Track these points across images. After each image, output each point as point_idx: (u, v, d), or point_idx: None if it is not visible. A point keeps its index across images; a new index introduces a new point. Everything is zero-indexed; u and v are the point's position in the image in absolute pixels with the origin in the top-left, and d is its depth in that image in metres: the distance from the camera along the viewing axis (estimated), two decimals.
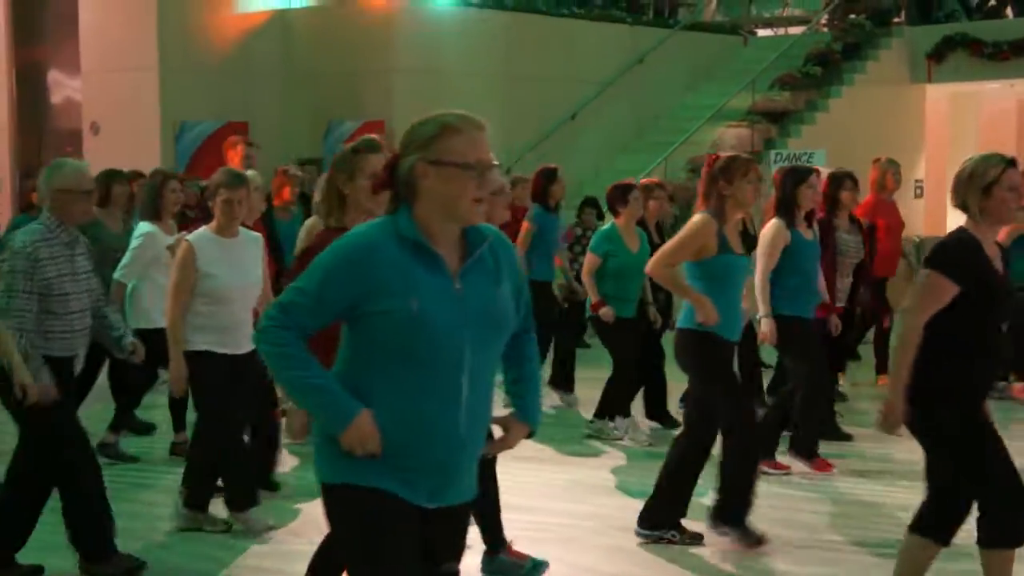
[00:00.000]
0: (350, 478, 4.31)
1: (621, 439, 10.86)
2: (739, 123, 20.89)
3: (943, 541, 6.17)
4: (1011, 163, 5.99)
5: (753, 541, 7.75)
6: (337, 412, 4.26)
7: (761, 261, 9.29)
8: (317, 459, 4.42)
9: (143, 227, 9.73)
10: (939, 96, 23.08)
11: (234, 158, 12.37)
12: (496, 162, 4.36)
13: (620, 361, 10.84)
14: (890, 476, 9.57)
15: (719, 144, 20.08)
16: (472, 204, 4.27)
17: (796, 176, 9.51)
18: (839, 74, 21.96)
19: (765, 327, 9.36)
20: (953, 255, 5.99)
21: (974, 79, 22.36)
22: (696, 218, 7.87)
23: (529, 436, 4.59)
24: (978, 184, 5.94)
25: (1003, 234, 9.17)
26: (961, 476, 6.08)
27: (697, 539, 7.86)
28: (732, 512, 7.82)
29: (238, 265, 8.04)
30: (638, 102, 21.41)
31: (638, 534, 7.97)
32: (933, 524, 6.15)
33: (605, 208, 11.42)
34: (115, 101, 19.34)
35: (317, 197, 7.96)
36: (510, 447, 4.62)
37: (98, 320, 7.50)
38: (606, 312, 10.40)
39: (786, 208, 9.38)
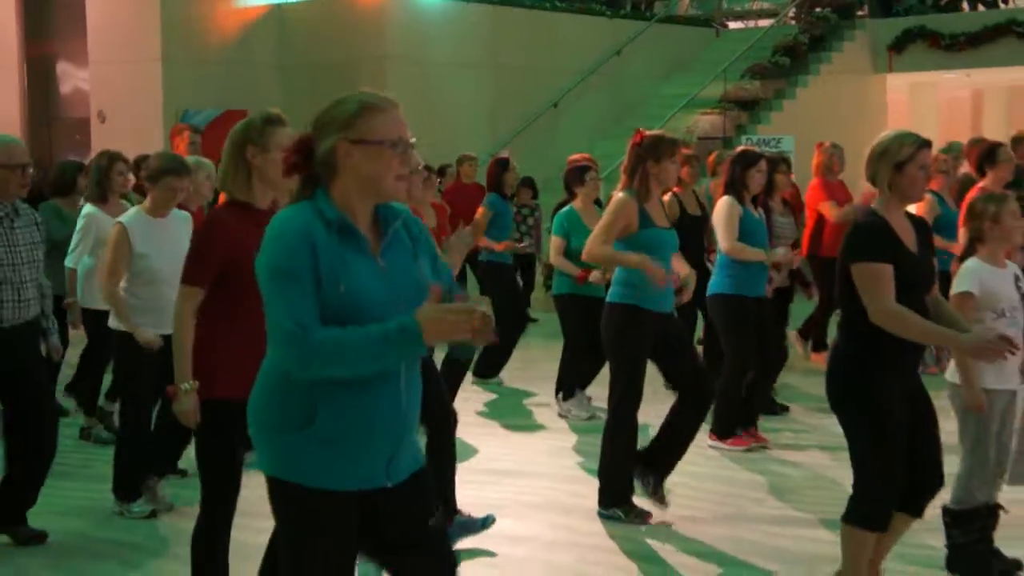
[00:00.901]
0: (296, 477, 4.11)
1: (565, 417, 10.47)
2: (712, 111, 20.68)
3: (915, 512, 6.00)
4: (926, 143, 5.75)
5: (637, 518, 7.49)
6: (400, 336, 3.95)
7: (724, 232, 9.03)
8: (261, 452, 4.16)
9: (87, 209, 9.16)
10: (899, 85, 22.89)
11: (180, 145, 11.57)
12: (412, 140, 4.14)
13: (572, 337, 10.44)
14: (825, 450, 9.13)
15: (693, 130, 20.14)
16: (396, 181, 4.08)
17: (745, 160, 9.23)
18: (806, 64, 21.73)
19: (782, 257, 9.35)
20: (869, 242, 5.74)
21: (932, 69, 22.12)
22: (617, 197, 7.65)
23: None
24: (891, 160, 5.71)
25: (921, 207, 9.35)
26: (850, 445, 5.91)
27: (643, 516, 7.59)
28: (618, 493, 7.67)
29: (169, 245, 7.54)
30: (617, 91, 21.05)
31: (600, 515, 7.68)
32: (904, 495, 5.87)
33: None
34: (121, 91, 19.17)
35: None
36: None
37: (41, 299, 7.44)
38: (595, 277, 9.64)
39: (735, 189, 9.10)
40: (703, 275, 9.27)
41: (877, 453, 5.80)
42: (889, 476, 5.81)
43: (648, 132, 7.81)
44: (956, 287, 6.37)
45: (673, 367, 7.81)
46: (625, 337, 7.66)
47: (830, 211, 11.82)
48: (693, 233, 10.24)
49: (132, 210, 7.85)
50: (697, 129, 20.28)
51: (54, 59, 20.85)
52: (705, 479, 8.41)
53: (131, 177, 9.79)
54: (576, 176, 10.21)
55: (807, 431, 9.84)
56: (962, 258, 6.57)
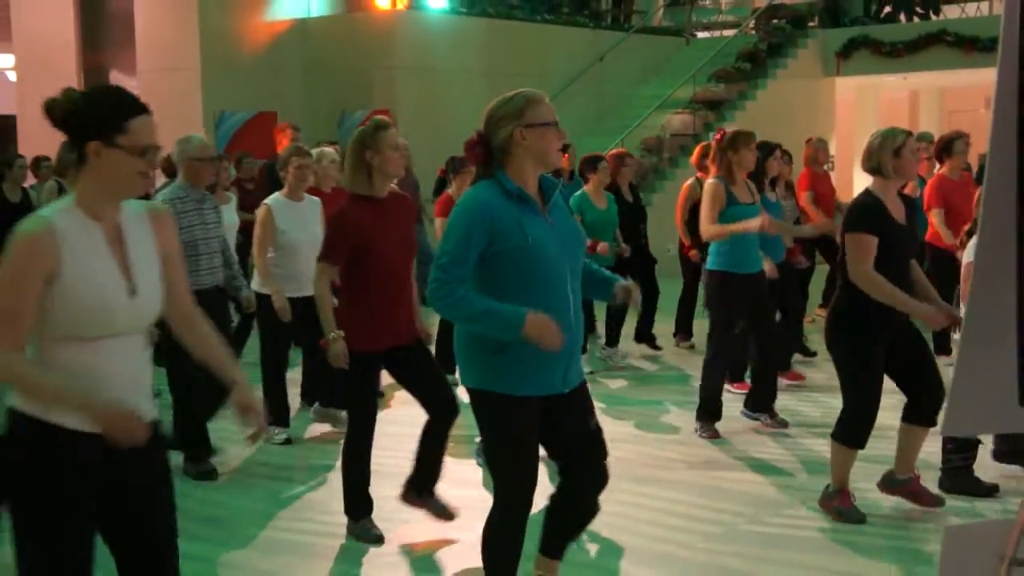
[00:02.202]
0: (498, 388, 4.64)
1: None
2: (683, 110, 20.53)
3: (930, 423, 6.46)
4: (911, 133, 6.49)
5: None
6: (512, 320, 4.44)
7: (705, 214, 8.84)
8: (469, 372, 4.73)
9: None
10: (846, 87, 22.78)
11: (283, 141, 12.25)
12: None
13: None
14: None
15: (667, 128, 20.14)
16: (558, 152, 4.67)
17: (766, 149, 9.42)
18: (765, 69, 21.55)
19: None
20: (862, 216, 6.32)
21: (874, 73, 22.05)
22: (708, 183, 8.35)
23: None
24: (889, 148, 6.32)
25: (909, 187, 9.75)
26: (841, 380, 6.53)
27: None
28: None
29: (303, 223, 8.21)
30: (599, 93, 20.93)
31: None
32: (919, 412, 6.48)
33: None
34: (165, 95, 18.67)
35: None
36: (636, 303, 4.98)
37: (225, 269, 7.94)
38: (603, 248, 10.11)
39: (757, 176, 9.16)
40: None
41: (861, 382, 6.39)
42: (869, 403, 6.39)
43: (726, 130, 8.57)
44: (965, 258, 6.82)
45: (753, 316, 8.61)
46: (721, 296, 8.42)
47: (805, 201, 11.91)
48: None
49: (275, 195, 8.35)
50: (670, 127, 20.18)
51: (107, 68, 20.60)
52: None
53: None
54: (590, 165, 10.56)
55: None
56: (969, 233, 7.11)
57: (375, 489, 6.48)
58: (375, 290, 6.14)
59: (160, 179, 10.40)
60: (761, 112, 20.24)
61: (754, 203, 8.34)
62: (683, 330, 12.25)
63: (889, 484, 6.78)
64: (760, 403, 8.74)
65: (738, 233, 8.12)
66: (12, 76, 22.30)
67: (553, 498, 4.98)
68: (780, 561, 6.10)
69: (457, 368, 4.96)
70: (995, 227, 2.70)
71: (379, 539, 6.35)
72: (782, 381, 9.47)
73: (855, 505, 6.59)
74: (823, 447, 7.40)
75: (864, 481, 6.86)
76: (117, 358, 3.61)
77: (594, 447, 4.85)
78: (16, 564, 3.62)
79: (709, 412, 8.51)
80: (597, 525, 5.53)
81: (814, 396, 9.71)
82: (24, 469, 3.57)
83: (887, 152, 6.29)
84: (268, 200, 8.28)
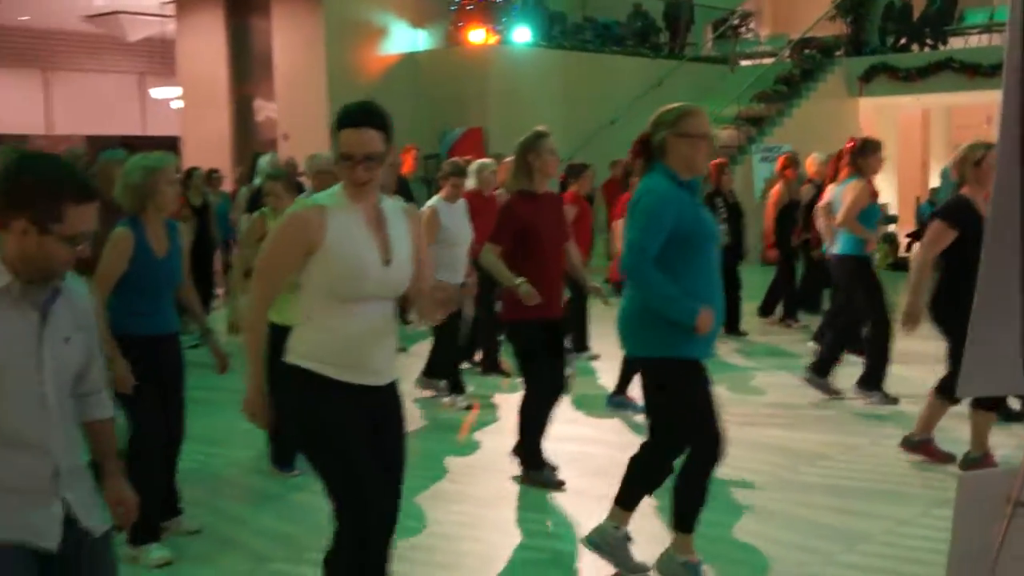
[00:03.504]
0: (666, 352, 4.54)
1: None
2: (729, 126, 20.28)
3: (954, 400, 6.34)
4: (990, 147, 6.08)
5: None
6: (689, 310, 4.41)
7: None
8: (638, 341, 4.64)
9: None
10: (868, 107, 22.26)
11: (408, 159, 12.46)
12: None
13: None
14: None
15: (715, 141, 19.52)
16: (705, 160, 4.56)
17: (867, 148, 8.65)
18: (799, 91, 21.27)
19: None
20: (950, 209, 6.21)
21: (892, 95, 21.54)
22: (854, 183, 8.01)
23: None
24: (971, 160, 6.19)
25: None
26: (947, 340, 6.29)
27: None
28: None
29: (460, 221, 8.25)
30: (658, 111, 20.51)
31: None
32: (949, 389, 6.21)
33: None
34: (298, 118, 19.22)
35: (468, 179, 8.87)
36: None
37: None
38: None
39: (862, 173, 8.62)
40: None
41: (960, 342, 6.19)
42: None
43: (857, 139, 8.39)
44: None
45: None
46: (859, 278, 8.10)
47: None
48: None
49: (435, 198, 8.34)
50: (719, 140, 19.85)
51: (252, 97, 20.83)
52: None
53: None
54: (574, 173, 10.19)
55: None
56: None
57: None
58: (535, 268, 6.09)
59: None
60: (796, 127, 20.03)
61: (876, 202, 8.31)
62: (790, 314, 11.99)
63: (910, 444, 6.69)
64: (874, 381, 8.18)
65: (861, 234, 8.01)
66: (178, 104, 22.65)
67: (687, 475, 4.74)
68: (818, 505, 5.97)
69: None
70: (1003, 217, 2.63)
71: (561, 484, 6.29)
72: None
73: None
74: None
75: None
76: (369, 319, 3.68)
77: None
78: (326, 493, 3.72)
79: (877, 378, 8.16)
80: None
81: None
82: (298, 406, 3.71)
83: (969, 164, 6.20)
84: (432, 202, 8.30)
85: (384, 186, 8.07)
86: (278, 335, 6.29)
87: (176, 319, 5.43)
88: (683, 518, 4.69)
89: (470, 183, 9.12)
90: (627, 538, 4.87)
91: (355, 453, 3.66)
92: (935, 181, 20.71)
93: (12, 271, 2.72)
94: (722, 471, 6.22)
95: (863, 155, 8.05)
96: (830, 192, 8.60)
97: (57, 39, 25.94)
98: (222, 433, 7.49)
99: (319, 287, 3.66)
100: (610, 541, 4.85)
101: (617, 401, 8.05)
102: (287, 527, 5.80)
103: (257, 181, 10.38)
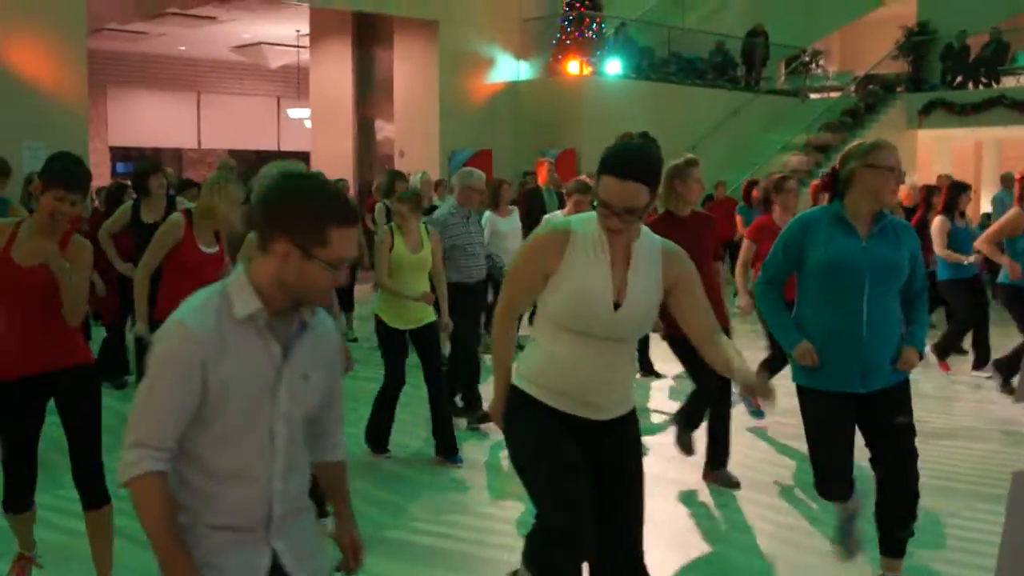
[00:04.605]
0: (808, 382, 4.17)
1: None
2: (799, 152, 20.05)
3: None
4: None
5: None
6: (790, 340, 4.15)
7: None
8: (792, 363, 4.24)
9: (487, 214, 8.94)
10: (926, 138, 21.77)
11: (542, 172, 12.22)
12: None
13: None
14: None
15: (786, 165, 19.53)
16: (890, 194, 4.10)
17: (960, 187, 9.01)
18: (862, 122, 20.77)
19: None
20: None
21: (948, 127, 21.08)
22: (1014, 211, 7.81)
23: (920, 358, 4.21)
24: None
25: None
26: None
27: None
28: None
29: None
30: (734, 139, 20.29)
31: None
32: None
33: None
34: (414, 136, 19.29)
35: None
36: (911, 366, 4.16)
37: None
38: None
39: (948, 209, 8.91)
40: None
41: None
42: None
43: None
44: None
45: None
46: (1018, 301, 7.85)
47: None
48: None
49: (559, 214, 7.73)
50: (789, 165, 19.58)
51: (373, 118, 20.94)
52: None
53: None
54: (778, 186, 9.43)
55: None
56: None
57: None
58: None
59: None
60: None
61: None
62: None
63: None
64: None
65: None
66: (309, 123, 22.96)
67: (877, 499, 4.27)
68: None
69: None
70: None
71: (738, 484, 5.95)
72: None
73: None
74: None
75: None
76: (594, 355, 3.21)
77: (897, 441, 4.15)
78: (534, 502, 3.28)
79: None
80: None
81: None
82: (516, 425, 3.34)
83: None
84: (548, 216, 7.97)
85: (502, 203, 7.93)
86: (379, 325, 6.14)
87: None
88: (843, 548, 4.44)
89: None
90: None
91: (562, 468, 3.20)
92: (987, 207, 20.14)
93: (262, 298, 2.30)
94: (780, 461, 6.08)
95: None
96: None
97: (209, 66, 26.50)
98: None
99: (548, 312, 3.25)
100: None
101: (746, 399, 7.39)
102: (396, 498, 5.81)
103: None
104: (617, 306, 3.18)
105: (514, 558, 4.37)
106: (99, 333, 9.37)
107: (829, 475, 4.19)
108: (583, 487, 3.18)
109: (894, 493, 4.16)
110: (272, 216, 2.27)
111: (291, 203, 2.27)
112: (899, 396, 4.16)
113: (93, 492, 4.06)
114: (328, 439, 2.57)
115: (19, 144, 12.45)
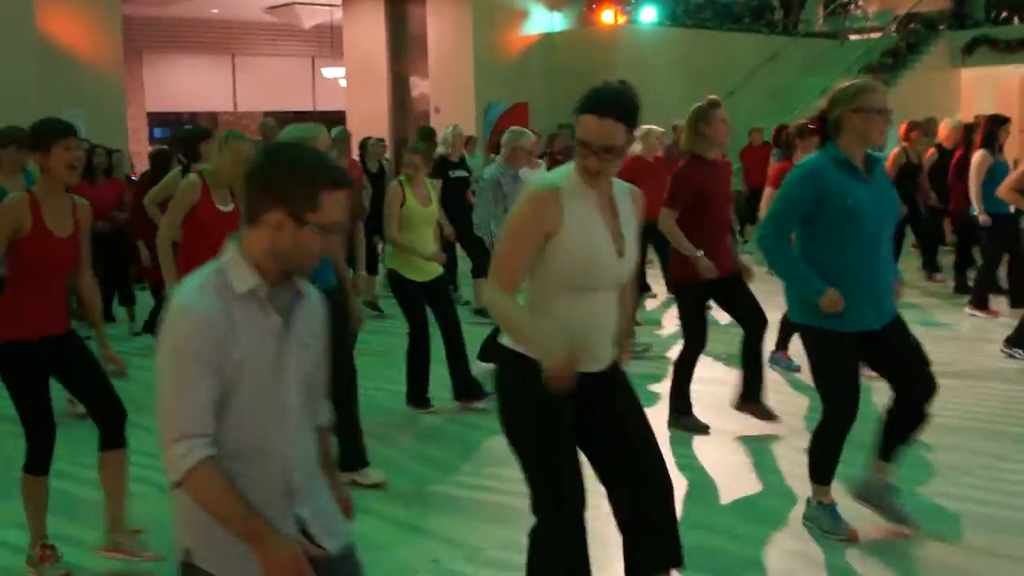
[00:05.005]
0: (817, 323, 4.23)
1: None
2: None
3: None
4: None
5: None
6: (813, 290, 4.16)
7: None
8: (794, 306, 4.34)
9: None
10: (969, 76, 21.38)
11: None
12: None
13: None
14: None
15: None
16: (880, 135, 4.12)
17: (998, 121, 8.88)
18: (904, 62, 20.40)
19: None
20: None
21: (991, 65, 20.63)
22: None
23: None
24: None
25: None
26: None
27: None
28: None
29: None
30: (772, 84, 20.04)
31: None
32: None
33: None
34: (449, 91, 19.22)
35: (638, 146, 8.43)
36: (900, 297, 4.41)
37: None
38: None
39: (987, 142, 8.82)
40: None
41: None
42: None
43: None
44: None
45: None
46: None
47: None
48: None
49: None
50: None
51: (407, 75, 20.93)
52: None
53: None
54: (802, 132, 9.08)
55: None
56: None
57: None
58: (706, 231, 5.78)
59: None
60: (901, 97, 19.08)
61: None
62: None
63: None
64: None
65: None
66: (343, 83, 22.94)
67: (890, 410, 4.40)
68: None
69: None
70: None
71: (705, 428, 6.02)
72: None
73: None
74: None
75: None
76: (596, 308, 3.19)
77: (919, 358, 4.30)
78: (528, 482, 3.23)
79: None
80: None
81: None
82: (512, 392, 3.23)
83: None
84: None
85: (532, 155, 7.90)
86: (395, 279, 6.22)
87: (330, 277, 5.30)
88: (819, 471, 4.47)
89: (635, 147, 8.88)
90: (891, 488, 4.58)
91: (562, 445, 3.19)
92: None
93: (259, 272, 2.29)
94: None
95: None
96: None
97: (242, 28, 26.49)
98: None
99: (550, 274, 3.14)
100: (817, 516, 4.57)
101: (775, 358, 7.42)
102: (438, 452, 5.86)
103: (441, 150, 10.22)
104: (621, 254, 3.19)
105: None
106: (142, 297, 9.52)
107: (849, 402, 4.28)
108: (577, 478, 3.18)
109: (911, 415, 4.34)
110: (262, 189, 2.26)
111: (280, 173, 2.26)
112: (903, 325, 4.34)
113: (117, 431, 4.33)
114: (318, 403, 2.55)
115: (59, 111, 12.60)
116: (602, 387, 3.27)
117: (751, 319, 5.93)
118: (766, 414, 6.03)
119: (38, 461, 4.22)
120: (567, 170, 3.19)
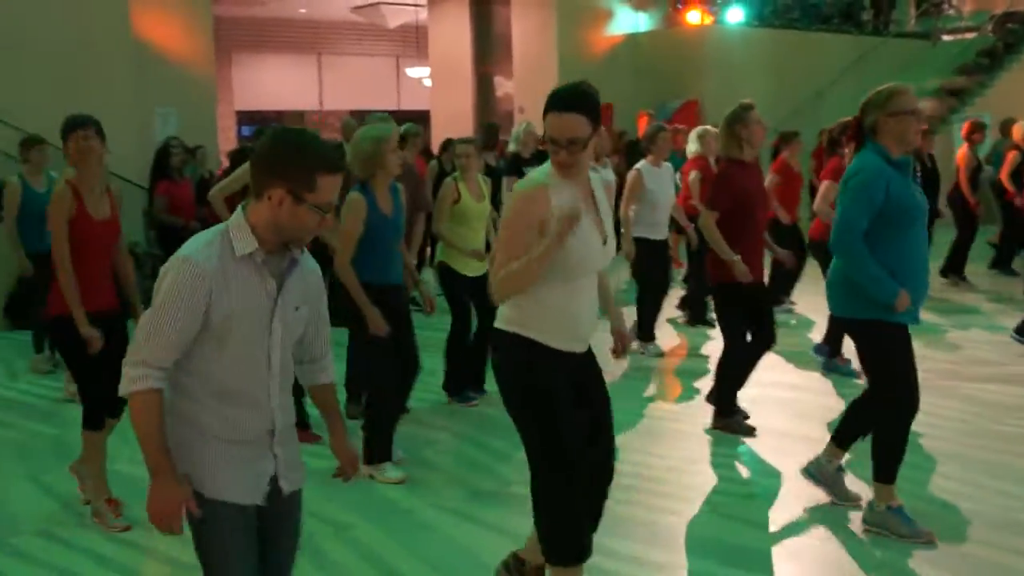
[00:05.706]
0: (876, 315, 4.26)
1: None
2: (932, 98, 19.09)
3: None
4: None
5: None
6: (889, 292, 4.17)
7: None
8: (845, 299, 4.38)
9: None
10: None
11: (641, 123, 12.71)
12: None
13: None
14: None
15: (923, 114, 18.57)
16: (915, 135, 4.23)
17: None
18: (1000, 63, 19.79)
19: None
20: None
21: None
22: None
23: None
24: None
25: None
26: None
27: None
28: None
29: (661, 183, 7.97)
30: (861, 84, 19.32)
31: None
32: None
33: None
34: (532, 92, 18.94)
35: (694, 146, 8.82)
36: None
37: None
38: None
39: None
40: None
41: None
42: None
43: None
44: None
45: None
46: None
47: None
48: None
49: (642, 162, 8.01)
50: (921, 111, 18.74)
51: (492, 75, 20.92)
52: None
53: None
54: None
55: None
56: None
57: None
58: (745, 232, 5.81)
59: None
60: (996, 99, 18.74)
61: None
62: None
63: None
64: None
65: None
66: (427, 83, 23.05)
67: (857, 402, 4.70)
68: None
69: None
70: None
71: (752, 430, 6.01)
72: None
73: None
74: None
75: None
76: (582, 294, 3.47)
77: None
78: (530, 457, 3.47)
79: None
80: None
81: None
82: (513, 372, 3.47)
83: None
84: (639, 165, 7.98)
85: (598, 154, 7.97)
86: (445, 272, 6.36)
87: (400, 271, 5.48)
88: (884, 469, 4.41)
89: (693, 148, 8.86)
90: (840, 470, 4.80)
91: (564, 420, 3.41)
92: None
93: (258, 239, 2.60)
94: (925, 421, 5.88)
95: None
96: None
97: (329, 28, 26.79)
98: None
99: (549, 269, 3.33)
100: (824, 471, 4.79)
101: (830, 364, 7.39)
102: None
103: (512, 148, 10.19)
104: (605, 242, 3.47)
105: (630, 509, 4.31)
106: None
107: (915, 392, 4.32)
108: (580, 450, 3.45)
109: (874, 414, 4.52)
110: (267, 167, 2.57)
111: (284, 155, 2.56)
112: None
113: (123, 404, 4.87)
114: (318, 363, 2.91)
115: (151, 111, 12.86)
116: (586, 368, 3.57)
117: (762, 337, 5.90)
118: (745, 429, 6.00)
119: (93, 418, 4.77)
120: (547, 168, 3.43)
